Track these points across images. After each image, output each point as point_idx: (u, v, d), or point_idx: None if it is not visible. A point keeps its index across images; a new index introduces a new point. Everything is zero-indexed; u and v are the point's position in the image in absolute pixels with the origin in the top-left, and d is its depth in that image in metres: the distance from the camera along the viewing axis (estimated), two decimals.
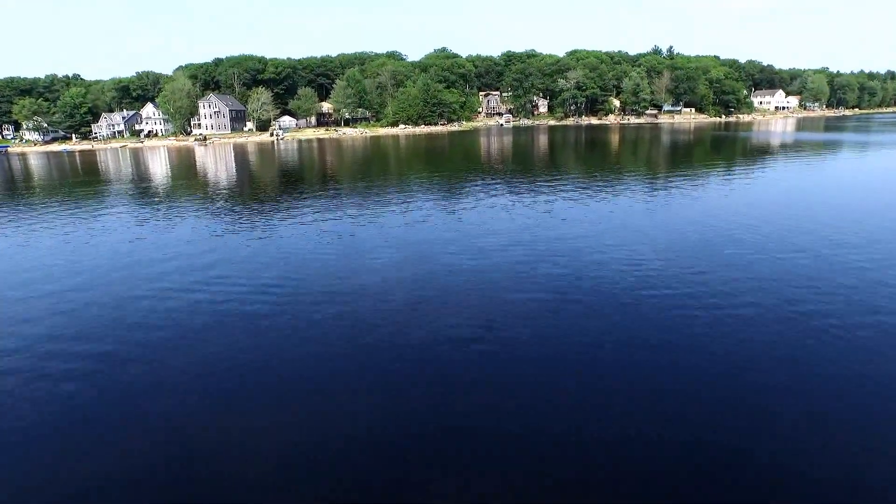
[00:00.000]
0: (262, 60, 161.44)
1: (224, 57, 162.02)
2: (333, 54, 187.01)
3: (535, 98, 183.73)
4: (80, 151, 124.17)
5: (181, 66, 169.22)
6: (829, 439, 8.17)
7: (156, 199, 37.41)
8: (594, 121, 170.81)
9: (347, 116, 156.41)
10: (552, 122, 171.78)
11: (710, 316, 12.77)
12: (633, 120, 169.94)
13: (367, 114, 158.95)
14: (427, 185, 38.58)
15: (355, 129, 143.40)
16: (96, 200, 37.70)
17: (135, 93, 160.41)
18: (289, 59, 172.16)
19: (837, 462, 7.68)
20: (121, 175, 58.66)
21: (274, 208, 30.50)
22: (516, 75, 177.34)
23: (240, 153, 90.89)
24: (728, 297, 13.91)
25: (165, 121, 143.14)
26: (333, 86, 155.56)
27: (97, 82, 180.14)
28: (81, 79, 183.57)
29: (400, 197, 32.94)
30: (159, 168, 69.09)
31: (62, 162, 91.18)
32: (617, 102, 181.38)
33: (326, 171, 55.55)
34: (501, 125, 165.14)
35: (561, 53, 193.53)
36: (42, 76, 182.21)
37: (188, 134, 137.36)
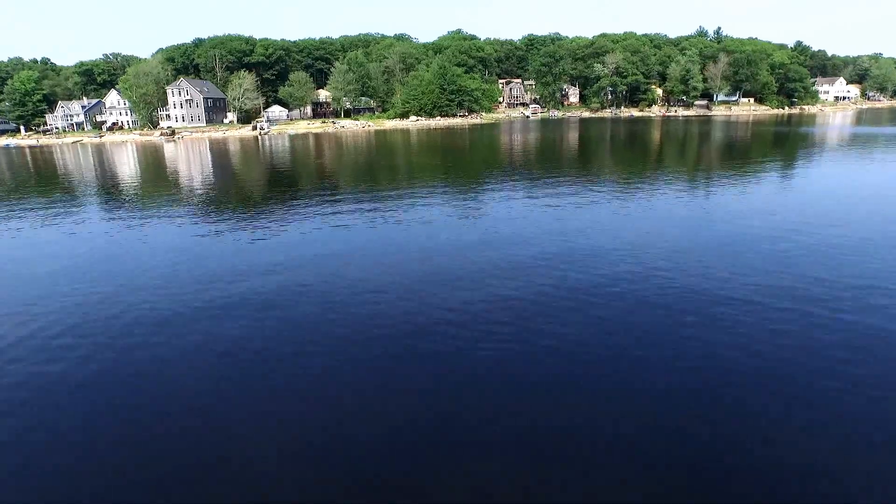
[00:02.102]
0: (249, 41, 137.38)
1: (206, 37, 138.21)
2: (335, 36, 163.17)
3: (565, 86, 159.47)
4: (26, 147, 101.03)
5: (161, 49, 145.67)
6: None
7: (100, 213, 27.25)
8: (635, 112, 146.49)
9: (348, 106, 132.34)
10: (585, 114, 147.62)
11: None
12: (682, 112, 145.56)
13: (372, 103, 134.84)
14: (449, 193, 28.66)
15: (357, 122, 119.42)
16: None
17: (100, 78, 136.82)
18: (283, 40, 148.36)
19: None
20: (59, 179, 43.56)
21: (252, 226, 21.21)
22: (544, 59, 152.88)
23: (215, 151, 68.52)
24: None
25: (131, 111, 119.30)
26: (332, 69, 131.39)
27: (56, 66, 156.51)
28: (52, 63, 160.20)
29: (414, 211, 23.20)
30: (108, 170, 51.44)
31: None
32: (660, 91, 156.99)
33: (319, 174, 40.46)
34: (528, 117, 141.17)
35: (588, 37, 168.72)
36: (5, 59, 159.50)
37: (155, 126, 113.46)
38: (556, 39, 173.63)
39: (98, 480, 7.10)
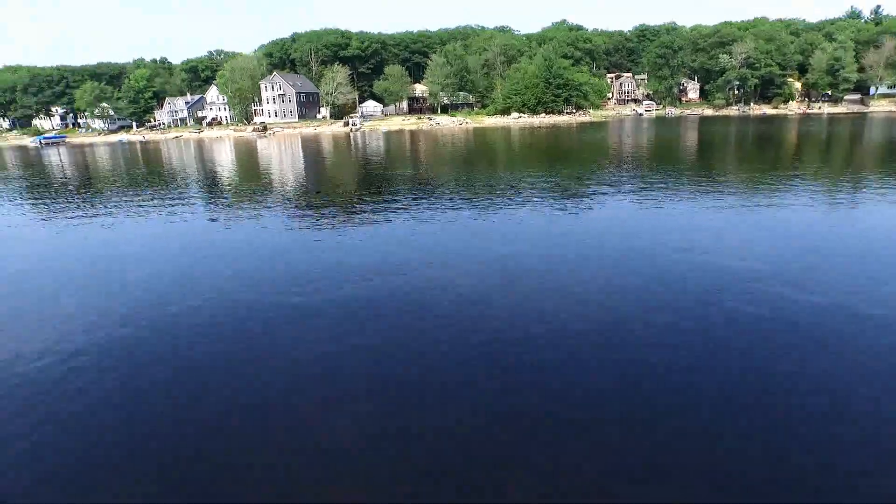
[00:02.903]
0: (345, 34, 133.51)
1: (303, 31, 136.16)
2: (433, 29, 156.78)
3: (683, 81, 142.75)
4: (137, 143, 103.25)
5: (262, 46, 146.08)
6: None
7: (185, 207, 24.47)
8: (768, 109, 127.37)
9: (446, 101, 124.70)
10: (707, 112, 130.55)
11: None
12: (827, 108, 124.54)
13: (471, 99, 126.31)
14: (556, 198, 22.46)
15: (453, 119, 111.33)
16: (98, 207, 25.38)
17: (203, 74, 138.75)
18: (379, 33, 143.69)
19: None
20: (147, 174, 42.20)
21: (342, 225, 19.16)
22: (660, 50, 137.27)
23: (306, 148, 63.23)
24: None
25: (228, 106, 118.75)
26: (428, 62, 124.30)
27: (170, 65, 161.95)
28: (168, 63, 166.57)
29: (516, 220, 18.55)
30: (204, 165, 49.36)
31: (97, 154, 72.47)
32: (798, 85, 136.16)
33: (411, 174, 34.59)
34: (640, 115, 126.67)
35: (710, 25, 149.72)
36: (130, 61, 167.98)
37: (249, 122, 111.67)
38: (671, 29, 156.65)
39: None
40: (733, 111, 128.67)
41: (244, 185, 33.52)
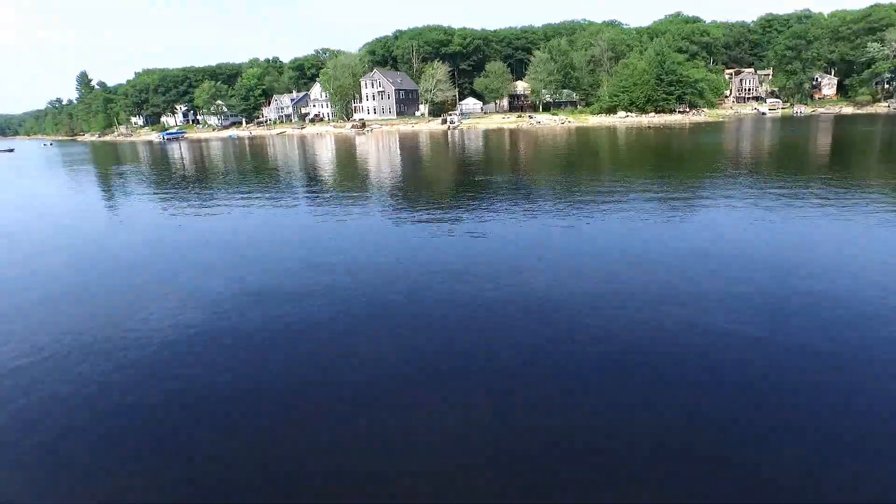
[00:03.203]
0: (447, 31, 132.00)
1: (406, 28, 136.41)
2: (537, 24, 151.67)
3: (817, 75, 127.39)
4: (246, 138, 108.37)
5: (366, 44, 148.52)
6: None
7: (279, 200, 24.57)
8: None
9: (548, 99, 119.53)
10: (847, 110, 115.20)
11: None
12: None
13: (575, 97, 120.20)
14: (669, 208, 19.03)
15: (554, 117, 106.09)
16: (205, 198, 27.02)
17: (309, 72, 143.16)
18: (482, 30, 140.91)
19: None
20: (252, 168, 44.16)
21: (437, 226, 17.73)
22: (791, 41, 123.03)
23: (404, 146, 61.98)
24: None
25: (330, 103, 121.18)
26: (530, 58, 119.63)
27: (280, 64, 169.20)
28: (280, 62, 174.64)
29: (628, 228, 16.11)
30: (304, 159, 50.62)
31: (211, 149, 77.42)
32: None
33: (509, 176, 31.39)
34: (763, 114, 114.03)
35: (855, 10, 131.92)
36: (246, 61, 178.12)
37: (349, 118, 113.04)
38: (805, 17, 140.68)
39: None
40: (881, 108, 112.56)
41: (342, 181, 32.91)
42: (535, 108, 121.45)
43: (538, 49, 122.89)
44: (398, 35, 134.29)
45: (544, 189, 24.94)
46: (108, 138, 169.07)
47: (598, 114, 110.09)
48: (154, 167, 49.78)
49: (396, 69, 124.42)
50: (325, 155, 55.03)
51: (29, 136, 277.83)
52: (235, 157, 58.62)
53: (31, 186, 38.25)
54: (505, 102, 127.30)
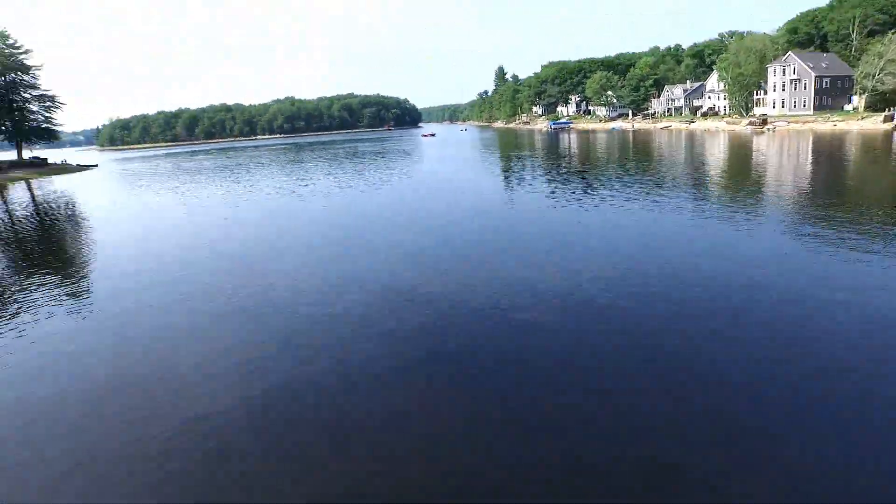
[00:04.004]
0: None
1: None
2: None
3: None
4: (629, 131, 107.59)
5: (787, 21, 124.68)
6: None
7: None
8: None
9: None
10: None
11: None
12: None
13: None
14: None
15: None
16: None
17: (709, 59, 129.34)
18: None
19: None
20: (629, 162, 45.68)
21: None
22: None
23: (822, 152, 47.24)
24: None
25: (728, 94, 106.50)
26: None
27: (676, 51, 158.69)
28: (679, 48, 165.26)
29: None
30: (688, 161, 46.22)
31: (593, 140, 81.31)
32: None
33: None
34: None
35: None
36: (646, 50, 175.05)
37: (747, 113, 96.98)
38: None
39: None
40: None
41: (728, 193, 29.00)
42: None
43: None
44: (833, 6, 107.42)
45: None
46: (511, 125, 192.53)
47: None
48: (544, 155, 56.04)
49: (825, 50, 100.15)
50: (711, 157, 48.26)
51: (464, 121, 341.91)
52: (616, 151, 59.55)
53: (438, 169, 50.14)
54: None
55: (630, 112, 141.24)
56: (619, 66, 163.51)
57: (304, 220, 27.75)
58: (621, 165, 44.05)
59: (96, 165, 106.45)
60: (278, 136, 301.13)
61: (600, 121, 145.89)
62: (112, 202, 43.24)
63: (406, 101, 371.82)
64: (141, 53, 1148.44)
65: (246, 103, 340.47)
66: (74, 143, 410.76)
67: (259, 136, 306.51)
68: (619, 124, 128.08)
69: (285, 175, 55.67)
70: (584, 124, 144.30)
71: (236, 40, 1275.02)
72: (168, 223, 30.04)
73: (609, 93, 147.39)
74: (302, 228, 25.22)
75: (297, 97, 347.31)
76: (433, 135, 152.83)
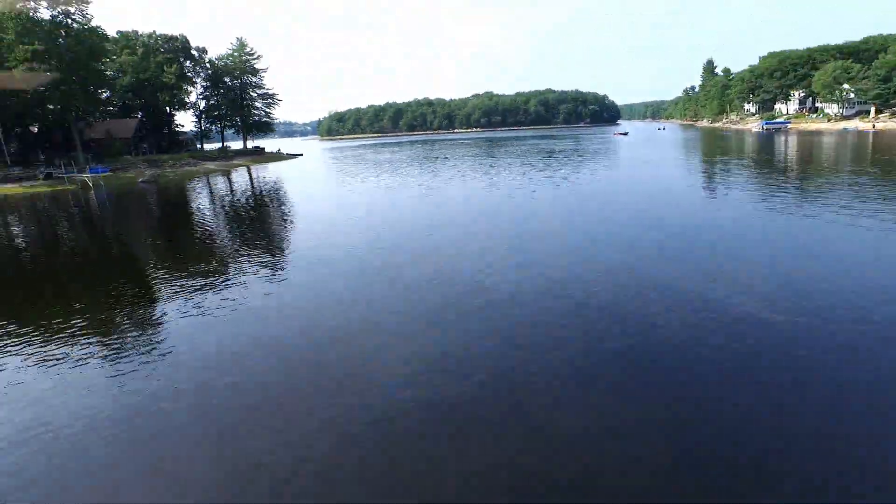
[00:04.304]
0: None
1: None
2: None
3: None
4: (869, 133, 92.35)
5: None
6: None
7: None
8: None
9: None
10: None
11: None
12: None
13: None
14: None
15: None
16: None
17: None
18: None
19: None
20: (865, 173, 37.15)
21: None
22: None
23: None
24: None
25: None
26: None
27: None
28: None
29: None
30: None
31: (817, 145, 69.23)
32: None
33: None
34: None
35: None
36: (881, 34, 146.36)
37: None
38: None
39: None
40: None
41: None
42: None
43: None
44: None
45: None
46: (717, 125, 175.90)
47: None
48: (752, 163, 49.30)
49: None
50: None
51: (667, 119, 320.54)
52: (853, 156, 50.33)
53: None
54: None
55: (872, 109, 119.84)
56: (865, 52, 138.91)
57: (498, 211, 29.24)
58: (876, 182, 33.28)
59: (301, 154, 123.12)
60: (474, 130, 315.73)
61: (828, 120, 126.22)
62: (307, 186, 52.37)
63: (605, 97, 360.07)
64: (357, 52, 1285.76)
65: (446, 98, 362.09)
66: (304, 134, 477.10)
67: (457, 130, 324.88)
68: (853, 124, 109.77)
69: (481, 169, 59.09)
70: (807, 124, 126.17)
71: (434, 38, 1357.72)
72: (351, 206, 35.04)
73: (846, 86, 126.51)
74: (495, 218, 26.85)
75: (494, 92, 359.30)
76: (626, 133, 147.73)
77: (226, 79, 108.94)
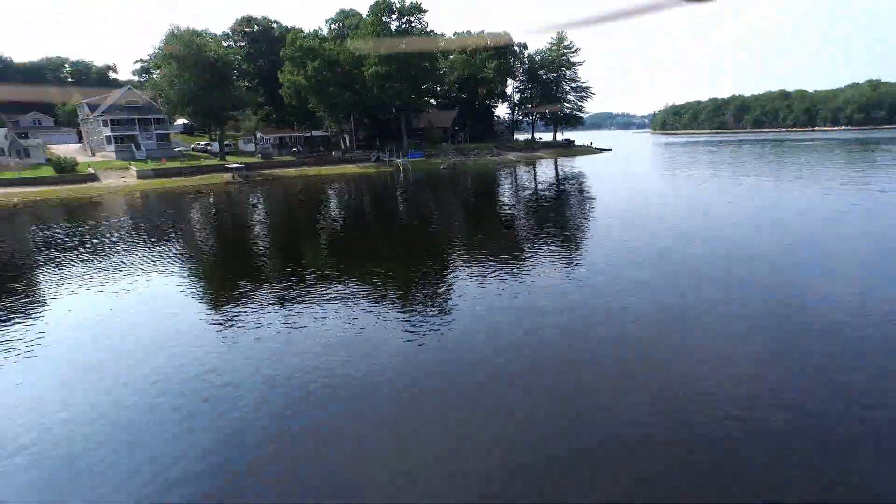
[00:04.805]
0: None
1: None
2: None
3: None
4: None
5: None
6: None
7: None
8: None
9: None
10: None
11: None
12: None
13: None
14: None
15: None
16: None
17: None
18: None
19: None
20: None
21: None
22: None
23: None
24: None
25: None
26: None
27: None
28: None
29: None
30: None
31: None
32: None
33: None
34: None
35: None
36: None
37: None
38: None
39: None
40: None
41: None
42: None
43: None
44: None
45: None
46: None
47: None
48: None
49: None
50: None
51: None
52: None
53: None
54: None
55: None
56: None
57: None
58: None
59: (611, 149, 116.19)
60: (842, 128, 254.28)
61: None
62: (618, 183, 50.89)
63: None
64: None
65: (809, 89, 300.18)
66: (641, 126, 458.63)
67: (818, 128, 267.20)
68: None
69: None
70: None
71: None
72: (660, 210, 33.28)
73: None
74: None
75: (881, 80, 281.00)
76: None
77: (541, 72, 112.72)
